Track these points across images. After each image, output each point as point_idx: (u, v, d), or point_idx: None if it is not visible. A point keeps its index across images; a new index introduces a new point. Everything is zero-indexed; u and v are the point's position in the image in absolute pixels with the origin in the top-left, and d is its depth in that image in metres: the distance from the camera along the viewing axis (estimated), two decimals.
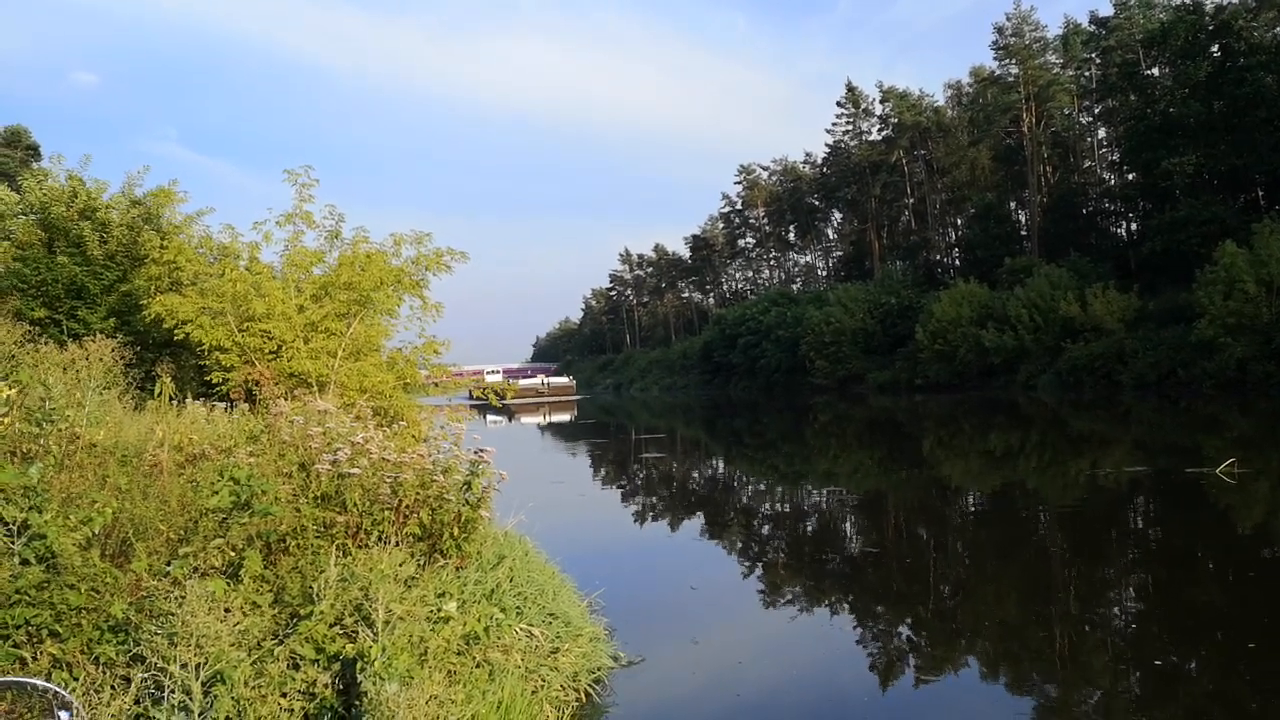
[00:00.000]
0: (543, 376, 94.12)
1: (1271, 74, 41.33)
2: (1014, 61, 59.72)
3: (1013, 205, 63.66)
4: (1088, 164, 60.75)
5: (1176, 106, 45.82)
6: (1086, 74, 58.67)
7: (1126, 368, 38.02)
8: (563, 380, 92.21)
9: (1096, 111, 59.34)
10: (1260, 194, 45.46)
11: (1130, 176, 52.91)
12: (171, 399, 8.59)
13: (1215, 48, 44.94)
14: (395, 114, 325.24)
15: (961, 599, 8.58)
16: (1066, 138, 60.87)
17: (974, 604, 8.37)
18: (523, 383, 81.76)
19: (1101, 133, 60.59)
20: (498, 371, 79.19)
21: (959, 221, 69.11)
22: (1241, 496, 12.40)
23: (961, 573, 9.74)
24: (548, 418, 51.07)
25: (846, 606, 8.57)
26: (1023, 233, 60.80)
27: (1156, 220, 45.89)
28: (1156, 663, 6.44)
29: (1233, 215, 41.52)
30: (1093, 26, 56.66)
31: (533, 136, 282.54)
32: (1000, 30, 60.38)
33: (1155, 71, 50.30)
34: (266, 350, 10.62)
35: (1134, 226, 54.49)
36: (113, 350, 8.26)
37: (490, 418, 46.32)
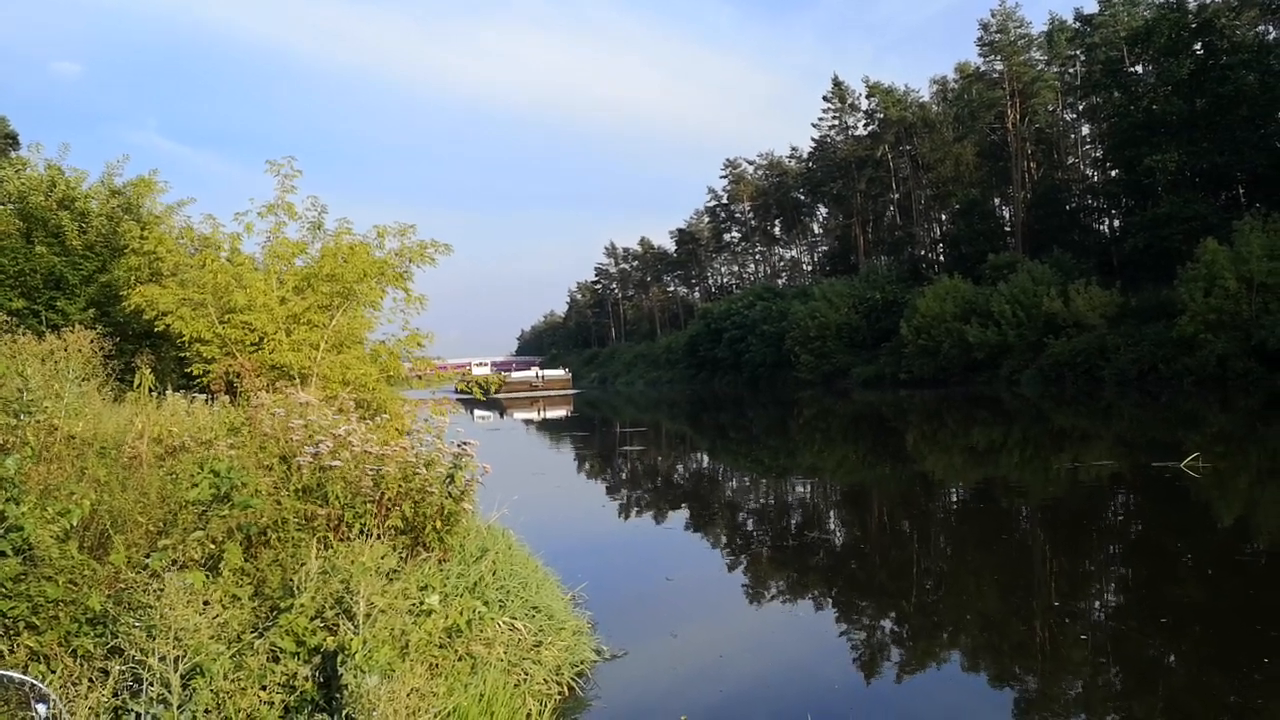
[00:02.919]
0: (536, 369, 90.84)
1: (1253, 72, 41.77)
2: (999, 58, 60.05)
3: (997, 201, 64.06)
4: (1071, 160, 61.16)
5: (1159, 104, 46.21)
6: (1071, 71, 59.04)
7: (1108, 363, 38.39)
8: (558, 373, 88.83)
9: (1080, 108, 59.74)
10: (1241, 191, 45.94)
11: (1113, 173, 53.36)
12: (151, 391, 8.50)
13: (1198, 46, 45.35)
14: (377, 106, 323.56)
15: (941, 591, 8.64)
16: (1050, 134, 61.28)
17: (953, 596, 8.43)
18: (514, 375, 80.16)
19: (1085, 129, 61.04)
20: (486, 364, 78.44)
21: (943, 217, 69.46)
22: (1206, 490, 12.67)
23: (942, 565, 9.83)
24: (542, 413, 48.28)
25: (828, 599, 8.63)
26: (1006, 229, 61.22)
27: (1139, 217, 46.33)
28: (1118, 646, 6.52)
29: (1214, 213, 41.99)
30: (1077, 23, 57.01)
31: (515, 129, 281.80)
32: (985, 27, 60.73)
33: (1139, 69, 50.68)
34: (248, 342, 10.53)
35: (1116, 223, 54.98)
36: (91, 341, 8.18)
37: (478, 413, 45.53)
